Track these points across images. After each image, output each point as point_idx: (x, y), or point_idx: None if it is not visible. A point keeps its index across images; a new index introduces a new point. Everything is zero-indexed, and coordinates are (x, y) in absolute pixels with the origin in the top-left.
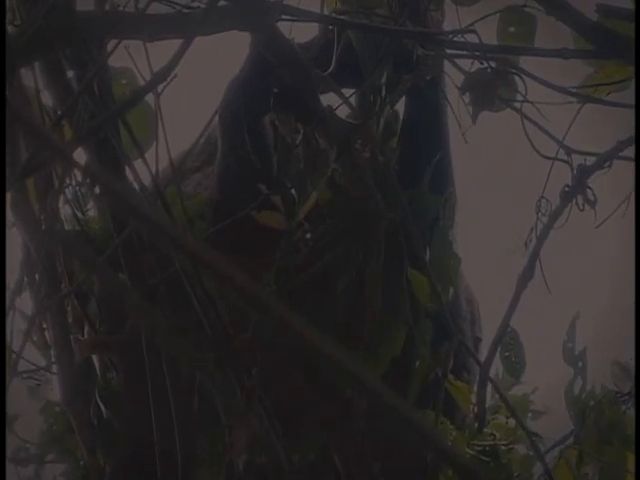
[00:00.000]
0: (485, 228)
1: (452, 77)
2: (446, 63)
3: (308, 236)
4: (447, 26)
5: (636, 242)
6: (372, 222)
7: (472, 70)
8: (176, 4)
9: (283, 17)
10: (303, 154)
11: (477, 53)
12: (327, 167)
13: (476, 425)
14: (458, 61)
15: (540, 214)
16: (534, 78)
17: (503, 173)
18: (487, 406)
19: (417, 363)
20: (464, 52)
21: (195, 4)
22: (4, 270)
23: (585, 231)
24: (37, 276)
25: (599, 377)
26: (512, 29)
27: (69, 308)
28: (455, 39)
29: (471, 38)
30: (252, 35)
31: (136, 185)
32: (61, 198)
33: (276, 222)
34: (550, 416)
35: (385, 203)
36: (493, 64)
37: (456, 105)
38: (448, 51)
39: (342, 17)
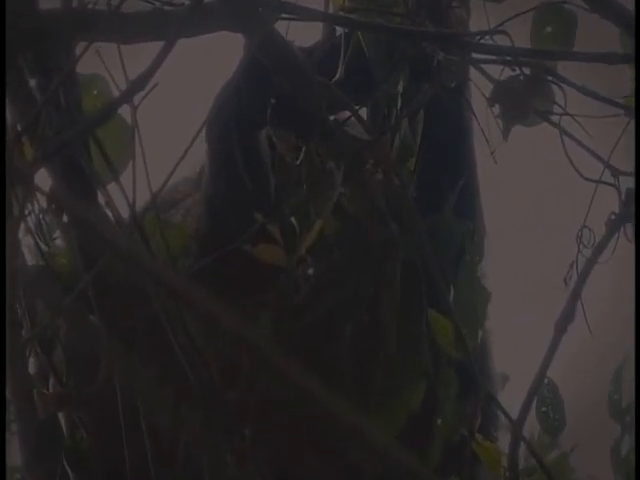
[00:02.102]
0: (518, 262)
1: (479, 86)
2: (472, 70)
3: (310, 271)
4: (473, 26)
5: (636, 244)
6: (386, 255)
7: (502, 78)
8: (155, 0)
9: (281, 16)
10: (305, 176)
11: (508, 58)
12: (333, 191)
13: None
14: (486, 67)
15: (582, 246)
16: (575, 87)
17: (538, 198)
18: (520, 469)
19: (439, 420)
20: (493, 57)
21: (178, 0)
22: (4, 270)
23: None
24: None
25: None
26: (549, 29)
27: (31, 357)
28: (482, 41)
29: (501, 40)
30: (246, 37)
31: (109, 213)
32: (22, 227)
33: (274, 257)
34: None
35: (401, 233)
36: (527, 70)
37: (483, 118)
38: (474, 56)
39: (350, 16)
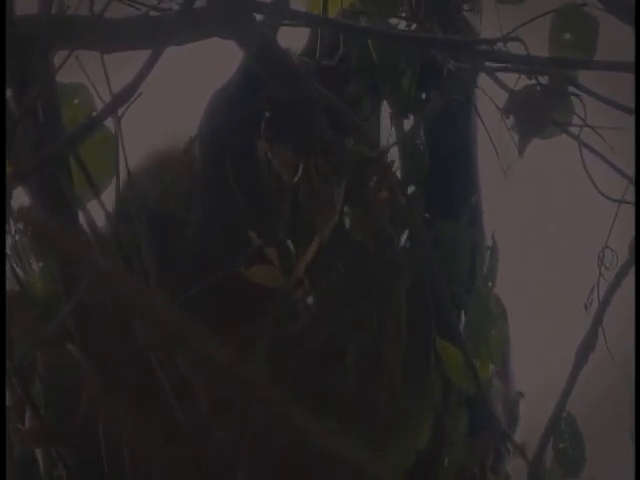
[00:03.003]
0: (533, 286)
1: (490, 95)
2: (482, 78)
3: (310, 298)
4: (485, 33)
5: (636, 244)
6: (391, 279)
7: (518, 87)
8: (142, 5)
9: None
10: (303, 195)
11: (524, 66)
12: (333, 211)
13: None
14: (500, 75)
15: (603, 268)
16: (596, 97)
17: (555, 217)
18: None
19: (448, 459)
20: (507, 65)
21: (165, 5)
22: (4, 270)
23: None
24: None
25: None
26: (568, 35)
27: (7, 389)
28: (495, 48)
29: (515, 48)
30: (239, 44)
31: (91, 234)
32: None
33: (270, 279)
34: None
35: (408, 255)
36: (543, 79)
37: (495, 130)
38: (488, 64)
39: (355, 23)
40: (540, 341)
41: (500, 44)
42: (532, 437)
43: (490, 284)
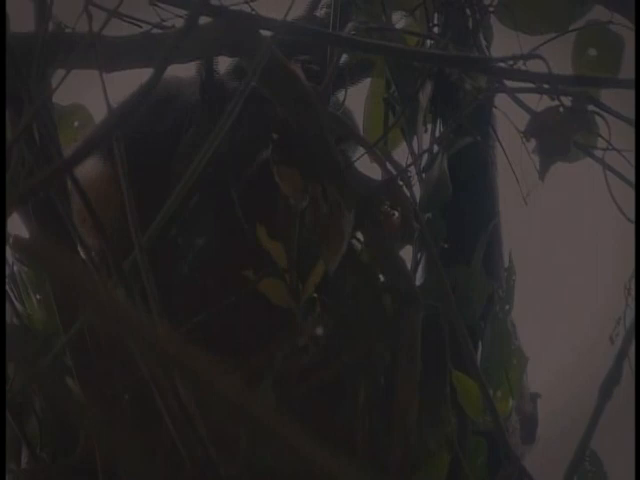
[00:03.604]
0: (556, 316)
1: (510, 116)
2: (503, 100)
3: (320, 331)
4: (504, 51)
5: (636, 244)
6: (405, 310)
7: (540, 108)
8: (143, 22)
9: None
10: (310, 221)
11: (545, 86)
12: (342, 239)
13: None
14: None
15: (630, 298)
16: (621, 118)
17: (579, 244)
18: None
19: None
20: (528, 84)
21: (168, 22)
22: (4, 269)
23: None
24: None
25: None
26: (593, 52)
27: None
28: (515, 67)
29: (535, 66)
30: (245, 62)
31: (90, 263)
32: None
33: (280, 298)
34: None
35: (422, 286)
36: (565, 99)
37: (515, 154)
38: (508, 84)
39: (365, 40)
40: (560, 368)
41: (519, 62)
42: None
43: (508, 307)
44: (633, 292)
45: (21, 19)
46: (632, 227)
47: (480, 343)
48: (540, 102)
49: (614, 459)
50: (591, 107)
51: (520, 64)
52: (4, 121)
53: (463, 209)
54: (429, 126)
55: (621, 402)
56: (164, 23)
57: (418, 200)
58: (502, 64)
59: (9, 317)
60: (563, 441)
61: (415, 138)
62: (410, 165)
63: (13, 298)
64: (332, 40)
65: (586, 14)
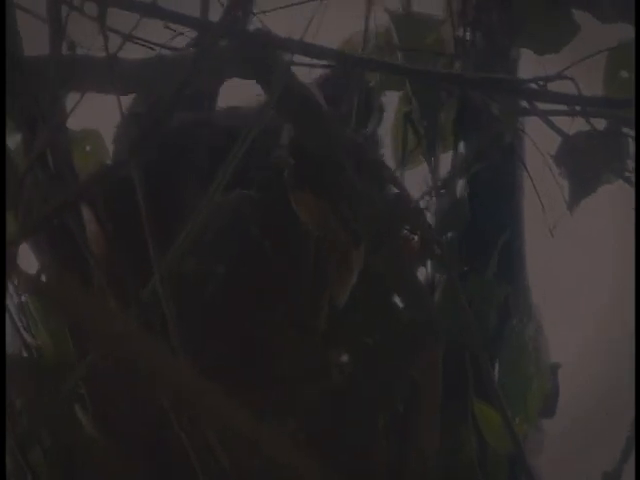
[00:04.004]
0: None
1: (537, 141)
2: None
3: (344, 359)
4: (531, 69)
5: (636, 244)
6: (425, 339)
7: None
8: (157, 45)
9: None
10: (324, 246)
11: (577, 108)
12: (353, 270)
13: None
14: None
15: None
16: None
17: (608, 270)
18: None
19: None
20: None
21: (181, 43)
22: (4, 267)
23: None
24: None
25: None
26: (625, 74)
27: (8, 458)
28: (543, 86)
29: (564, 88)
30: (261, 85)
31: (107, 294)
32: None
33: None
34: None
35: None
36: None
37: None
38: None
39: (388, 61)
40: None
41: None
42: None
43: (525, 321)
44: None
45: (35, 42)
46: None
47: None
48: (572, 125)
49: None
50: (625, 130)
51: (550, 85)
52: (4, 120)
53: (484, 232)
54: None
55: (621, 402)
56: (178, 45)
57: (435, 223)
58: (531, 85)
59: (18, 349)
60: (563, 441)
61: (435, 159)
62: (430, 189)
63: (22, 329)
64: (353, 61)
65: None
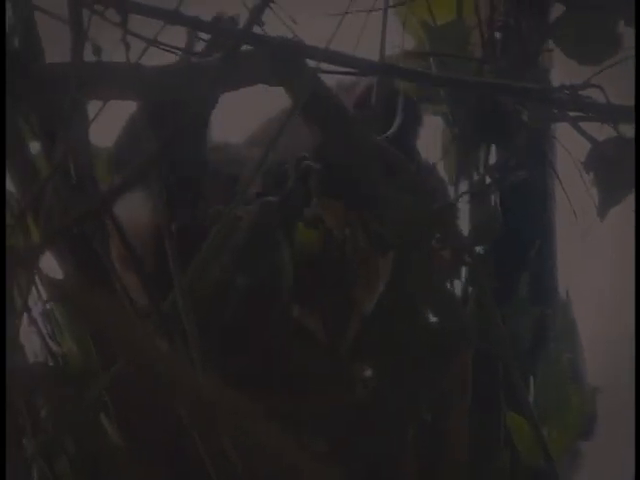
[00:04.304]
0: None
1: (568, 147)
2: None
3: (368, 373)
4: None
5: (636, 243)
6: (455, 350)
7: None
8: (180, 50)
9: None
10: (349, 256)
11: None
12: (380, 279)
13: None
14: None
15: None
16: None
17: (608, 270)
18: None
19: None
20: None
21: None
22: (4, 269)
23: None
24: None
25: None
26: None
27: (34, 468)
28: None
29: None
30: (288, 91)
31: (128, 303)
32: (24, 318)
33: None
34: None
35: (474, 323)
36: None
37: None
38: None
39: (418, 68)
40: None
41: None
42: None
43: (563, 348)
44: None
45: (56, 49)
46: None
47: (532, 379)
48: (602, 130)
49: (614, 459)
50: None
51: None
52: (4, 121)
53: (516, 244)
54: (481, 155)
55: (621, 402)
56: (202, 51)
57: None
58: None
59: (42, 356)
60: None
61: (468, 166)
62: (462, 195)
63: (47, 337)
64: (381, 69)
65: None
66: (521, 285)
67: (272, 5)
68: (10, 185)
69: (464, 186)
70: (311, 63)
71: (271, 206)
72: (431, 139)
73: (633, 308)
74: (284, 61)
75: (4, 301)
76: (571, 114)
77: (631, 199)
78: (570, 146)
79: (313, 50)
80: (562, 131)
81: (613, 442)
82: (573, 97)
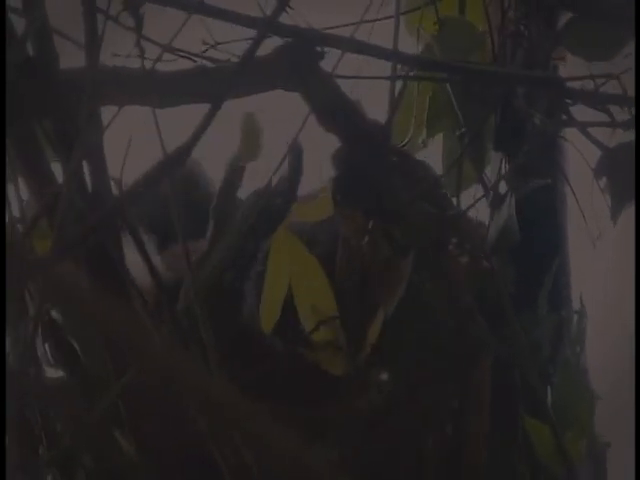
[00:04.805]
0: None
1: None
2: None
3: (384, 377)
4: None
5: (636, 243)
6: (473, 356)
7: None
8: (197, 56)
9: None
10: (368, 262)
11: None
12: (399, 286)
13: None
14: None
15: None
16: None
17: (608, 270)
18: None
19: None
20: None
21: (222, 55)
22: (4, 271)
23: None
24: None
25: None
26: None
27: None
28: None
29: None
30: (304, 96)
31: (144, 313)
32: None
33: (335, 367)
34: None
35: (491, 330)
36: None
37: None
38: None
39: (427, 57)
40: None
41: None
42: None
43: (579, 350)
44: None
45: (70, 55)
46: None
47: (549, 387)
48: (613, 137)
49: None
50: None
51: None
52: (4, 122)
53: (529, 251)
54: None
55: (621, 402)
56: (217, 57)
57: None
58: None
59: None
60: None
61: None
62: (478, 200)
63: (61, 346)
64: (396, 57)
65: None
66: (542, 292)
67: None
68: (25, 192)
69: (466, 196)
70: (327, 67)
71: None
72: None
73: (633, 308)
74: (300, 65)
75: (4, 301)
76: (580, 120)
77: None
78: (577, 153)
79: (333, 38)
80: (575, 138)
81: (613, 442)
82: (583, 90)
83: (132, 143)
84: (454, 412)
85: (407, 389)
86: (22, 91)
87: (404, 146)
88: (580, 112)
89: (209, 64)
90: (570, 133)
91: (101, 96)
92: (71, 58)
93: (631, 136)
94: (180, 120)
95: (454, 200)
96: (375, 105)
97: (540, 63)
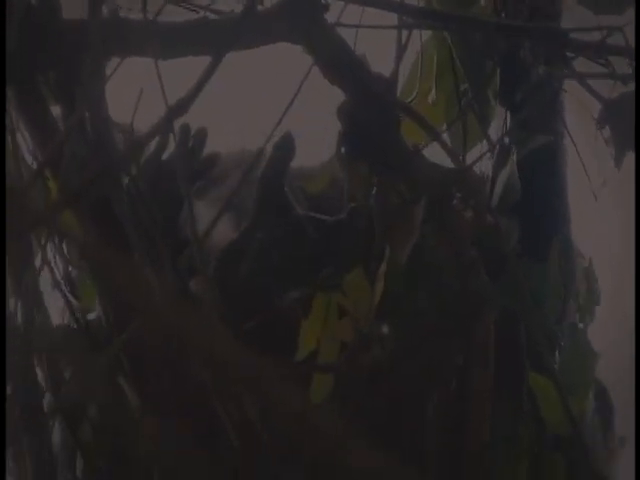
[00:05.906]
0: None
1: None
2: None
3: (385, 330)
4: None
5: (636, 243)
6: (477, 312)
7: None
8: (199, 7)
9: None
10: (376, 216)
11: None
12: (413, 230)
13: None
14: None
15: None
16: None
17: (608, 270)
18: None
19: None
20: (600, 71)
21: (225, 6)
22: (4, 272)
23: None
24: (9, 388)
25: None
26: None
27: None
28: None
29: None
30: (307, 49)
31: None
32: (49, 279)
33: (344, 333)
34: None
35: (495, 284)
36: None
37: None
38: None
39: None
40: None
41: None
42: None
43: (588, 316)
44: None
45: (74, 5)
46: None
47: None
48: (612, 91)
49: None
50: None
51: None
52: (4, 120)
53: (532, 206)
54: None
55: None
56: (221, 8)
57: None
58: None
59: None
60: None
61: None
62: (483, 155)
63: (67, 294)
64: (398, 8)
65: None
66: (552, 255)
67: None
68: (30, 142)
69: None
70: (330, 19)
71: None
72: None
73: (633, 308)
74: (303, 16)
75: (4, 301)
76: (579, 71)
77: None
78: (577, 105)
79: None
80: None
81: None
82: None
83: (134, 95)
84: (458, 368)
85: (411, 345)
86: (26, 43)
87: (411, 102)
88: (580, 66)
89: (212, 15)
90: (570, 86)
91: (104, 47)
92: (74, 11)
93: (632, 87)
94: (184, 74)
95: (460, 157)
96: (380, 61)
97: (544, 12)
